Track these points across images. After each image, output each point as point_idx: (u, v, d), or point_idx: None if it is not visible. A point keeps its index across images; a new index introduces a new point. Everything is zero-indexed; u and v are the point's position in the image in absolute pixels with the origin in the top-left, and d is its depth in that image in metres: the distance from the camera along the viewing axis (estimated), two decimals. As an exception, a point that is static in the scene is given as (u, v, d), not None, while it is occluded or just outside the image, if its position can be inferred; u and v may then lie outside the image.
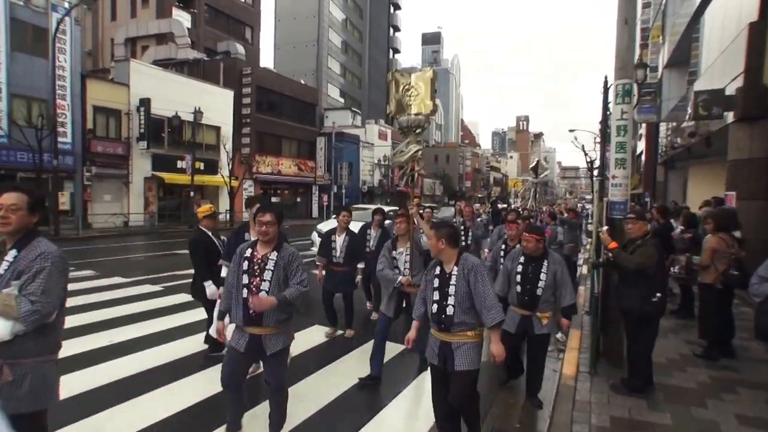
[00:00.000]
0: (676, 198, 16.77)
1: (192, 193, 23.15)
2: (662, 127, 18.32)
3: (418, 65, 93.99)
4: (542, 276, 3.96)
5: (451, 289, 2.99)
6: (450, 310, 2.98)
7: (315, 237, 11.28)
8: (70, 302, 4.80)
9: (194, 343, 5.31)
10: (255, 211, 3.86)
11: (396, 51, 69.77)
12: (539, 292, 3.97)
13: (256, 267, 3.10)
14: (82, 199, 19.98)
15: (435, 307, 3.05)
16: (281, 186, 33.81)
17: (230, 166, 24.69)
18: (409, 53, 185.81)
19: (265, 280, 3.08)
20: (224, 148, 25.28)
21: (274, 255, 3.12)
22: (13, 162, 17.27)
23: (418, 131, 4.71)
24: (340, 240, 5.90)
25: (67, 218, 18.13)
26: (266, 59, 59.42)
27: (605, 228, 4.32)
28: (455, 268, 3.03)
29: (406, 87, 4.63)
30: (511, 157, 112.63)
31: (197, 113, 22.68)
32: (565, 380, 4.59)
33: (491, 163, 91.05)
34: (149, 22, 30.61)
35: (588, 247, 14.36)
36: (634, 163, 26.86)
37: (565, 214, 11.61)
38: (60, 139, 18.68)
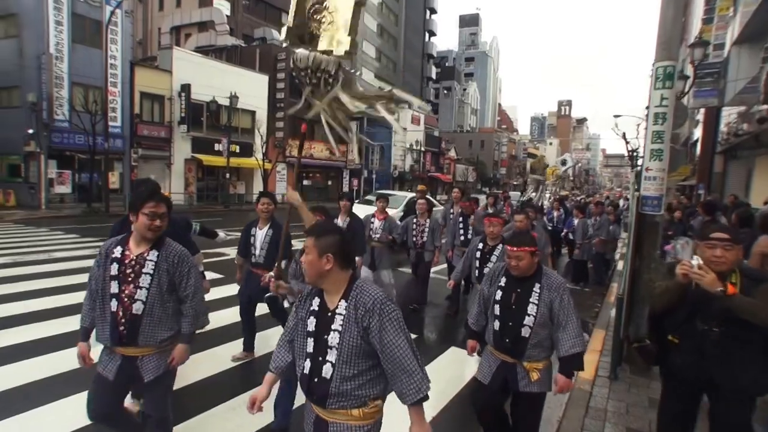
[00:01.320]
0: (737, 192, 14.25)
1: (228, 175, 24.70)
2: (724, 112, 16.53)
3: (455, 48, 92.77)
4: (531, 309, 2.70)
5: (332, 338, 1.85)
6: (328, 372, 1.84)
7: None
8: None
9: (232, 313, 5.27)
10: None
11: (432, 34, 69.12)
12: (525, 332, 2.70)
13: (129, 271, 2.41)
14: (130, 179, 21.80)
15: (306, 364, 1.91)
16: (313, 170, 35.07)
17: (263, 150, 26.05)
18: (445, 36, 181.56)
19: (141, 288, 2.41)
20: (258, 131, 26.64)
21: (153, 255, 2.45)
22: (72, 144, 19.20)
23: (323, 79, 2.76)
24: (260, 234, 4.50)
25: (118, 196, 19.92)
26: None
27: (696, 260, 2.37)
28: (342, 304, 1.87)
29: (316, 6, 2.81)
30: (550, 143, 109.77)
31: (233, 98, 24.07)
32: (581, 384, 4.20)
33: (529, 150, 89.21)
34: (192, 10, 32.22)
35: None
36: (689, 152, 25.25)
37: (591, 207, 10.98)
38: (111, 123, 20.45)
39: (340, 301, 1.88)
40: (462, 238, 6.79)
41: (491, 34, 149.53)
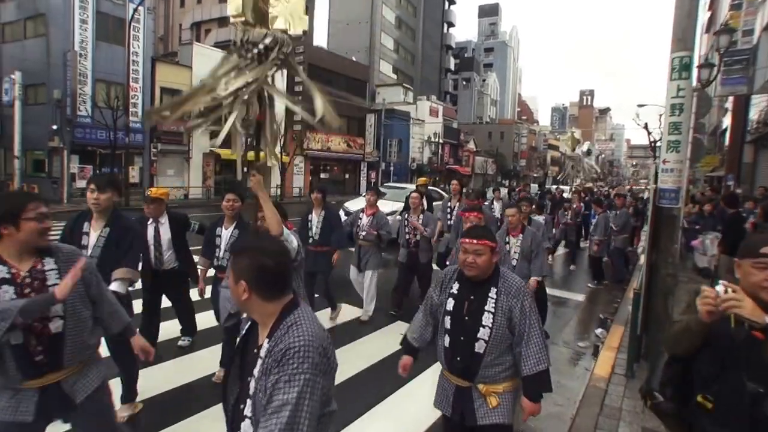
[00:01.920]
0: (768, 183, 13.81)
1: (246, 169, 24.88)
2: (755, 99, 16.19)
3: (474, 38, 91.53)
4: (486, 319, 2.23)
5: (251, 386, 1.48)
6: (246, 426, 1.49)
7: (342, 215, 9.85)
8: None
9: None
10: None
11: (450, 25, 68.25)
12: (480, 347, 2.24)
13: (27, 291, 1.94)
14: (149, 173, 22.23)
15: (230, 410, 1.60)
16: (330, 162, 35.16)
17: (281, 142, 26.19)
18: (465, 26, 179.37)
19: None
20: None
21: (49, 263, 2.02)
22: (94, 140, 19.70)
23: (273, 56, 2.54)
24: (225, 234, 4.20)
25: (137, 190, 20.31)
26: (321, 38, 60.43)
27: (721, 286, 1.64)
28: (265, 344, 1.47)
29: None
30: (572, 133, 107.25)
31: (251, 93, 24.22)
32: (596, 381, 4.20)
33: (549, 141, 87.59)
34: (212, 6, 32.50)
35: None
36: (718, 142, 24.83)
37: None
38: (132, 119, 20.85)
39: (264, 340, 1.48)
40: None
41: (511, 24, 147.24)
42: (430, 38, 62.95)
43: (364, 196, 5.74)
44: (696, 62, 5.48)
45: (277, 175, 27.28)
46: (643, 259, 9.81)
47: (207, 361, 4.33)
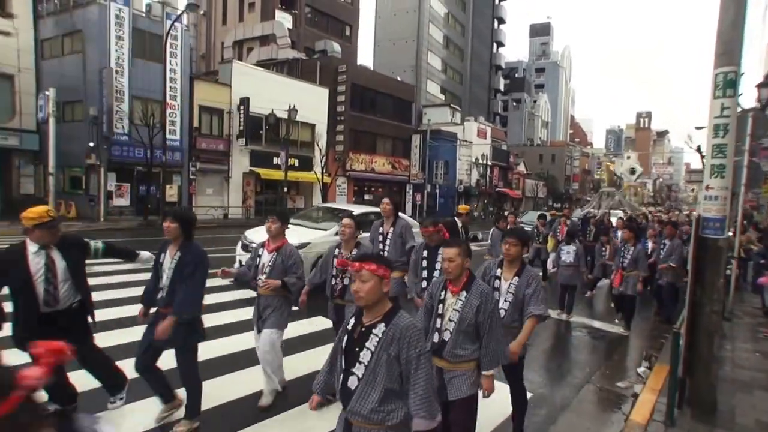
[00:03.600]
0: None
1: (286, 189, 23.94)
2: None
3: (524, 59, 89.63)
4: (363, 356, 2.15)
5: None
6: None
7: (239, 251, 8.38)
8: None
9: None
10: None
11: (500, 44, 66.86)
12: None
13: None
14: (188, 192, 21.58)
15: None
16: (374, 184, 33.94)
17: (322, 163, 25.12)
18: (515, 46, 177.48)
19: None
20: (317, 145, 25.83)
21: None
22: (131, 157, 19.18)
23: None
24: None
25: (172, 209, 19.62)
26: (366, 57, 60.48)
27: None
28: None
29: None
30: (628, 157, 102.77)
31: (291, 111, 23.38)
32: (631, 428, 3.89)
33: (604, 164, 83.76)
34: (254, 24, 32.45)
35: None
36: None
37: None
38: (170, 137, 20.35)
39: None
40: (425, 281, 4.30)
41: (563, 44, 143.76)
42: (479, 58, 61.74)
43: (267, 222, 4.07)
44: (749, 78, 4.94)
45: (319, 196, 26.20)
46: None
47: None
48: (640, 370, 5.20)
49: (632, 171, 21.61)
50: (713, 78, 4.02)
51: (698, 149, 26.80)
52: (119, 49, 18.47)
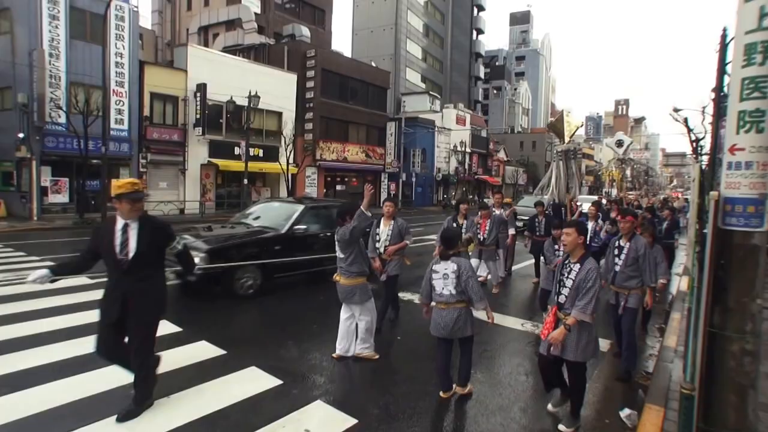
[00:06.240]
0: None
1: (246, 181, 22.50)
2: None
3: (505, 47, 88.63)
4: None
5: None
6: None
7: None
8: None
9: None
10: None
11: (480, 32, 65.70)
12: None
13: None
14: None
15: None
16: (347, 173, 32.63)
17: (288, 153, 23.72)
18: (496, 34, 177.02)
19: None
20: (282, 133, 24.42)
21: None
22: (69, 149, 17.47)
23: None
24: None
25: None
26: (345, 45, 58.86)
27: None
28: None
29: None
30: (606, 144, 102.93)
31: (253, 97, 21.91)
32: None
33: (584, 150, 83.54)
34: (219, 9, 30.74)
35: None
36: None
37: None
38: (117, 126, 18.80)
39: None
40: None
41: (543, 32, 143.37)
42: (459, 46, 60.57)
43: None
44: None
45: (283, 187, 24.84)
46: (680, 285, 8.35)
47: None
48: (624, 413, 3.88)
49: (619, 143, 19.55)
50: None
51: (685, 121, 25.56)
52: (53, 29, 16.73)
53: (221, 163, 22.74)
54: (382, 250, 5.82)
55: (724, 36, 17.01)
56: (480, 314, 4.01)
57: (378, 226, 5.94)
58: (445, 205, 39.03)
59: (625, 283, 4.84)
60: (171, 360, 4.22)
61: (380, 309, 5.52)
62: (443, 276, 3.85)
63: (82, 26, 17.86)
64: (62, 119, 16.74)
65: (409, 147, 35.82)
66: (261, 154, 24.71)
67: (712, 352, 2.75)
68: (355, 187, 33.73)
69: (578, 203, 11.41)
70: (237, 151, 23.14)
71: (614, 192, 54.11)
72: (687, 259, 11.38)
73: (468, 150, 43.68)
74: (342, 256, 4.68)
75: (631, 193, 38.56)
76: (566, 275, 3.60)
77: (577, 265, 3.54)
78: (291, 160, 24.15)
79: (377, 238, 5.90)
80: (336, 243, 4.75)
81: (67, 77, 17.20)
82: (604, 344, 5.23)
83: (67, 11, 17.15)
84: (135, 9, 19.17)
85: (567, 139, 8.07)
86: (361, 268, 4.70)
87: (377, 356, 4.86)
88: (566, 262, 3.67)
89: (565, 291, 3.59)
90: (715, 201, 2.68)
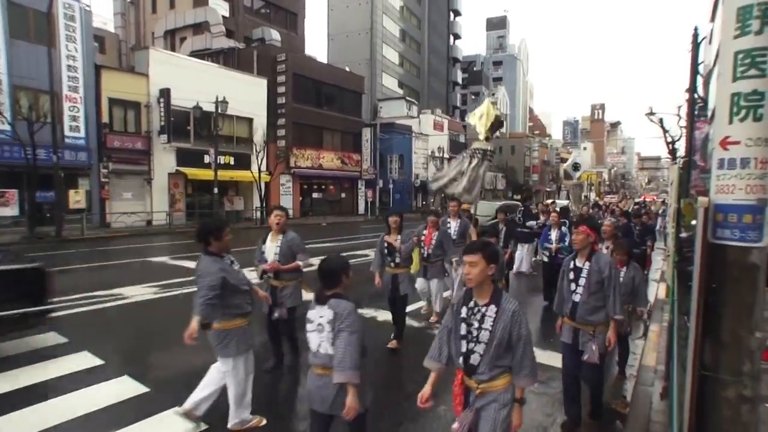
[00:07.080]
0: None
1: (216, 190, 21.59)
2: None
3: (482, 53, 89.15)
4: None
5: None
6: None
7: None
8: None
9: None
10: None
11: (456, 37, 65.96)
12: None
13: None
14: (99, 197, 18.97)
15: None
16: (323, 181, 31.86)
17: (260, 161, 22.90)
18: (472, 39, 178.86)
19: None
20: (253, 140, 23.61)
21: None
22: (16, 159, 15.93)
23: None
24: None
25: (76, 218, 16.89)
26: (320, 50, 58.24)
27: None
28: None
29: None
30: (584, 148, 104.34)
31: (221, 103, 21.05)
32: None
33: (561, 155, 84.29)
34: (186, 12, 29.77)
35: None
36: None
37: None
38: (72, 134, 17.75)
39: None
40: None
41: (520, 37, 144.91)
42: (436, 51, 60.56)
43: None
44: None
45: (257, 196, 23.98)
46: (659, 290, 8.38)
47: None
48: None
49: (575, 167, 18.63)
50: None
51: (660, 122, 25.60)
52: (-10, 28, 15.60)
53: (190, 171, 21.75)
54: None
55: (695, 35, 16.68)
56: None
57: (264, 242, 4.86)
58: (424, 211, 38.55)
59: (590, 317, 3.63)
60: None
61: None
62: (317, 327, 2.67)
63: (23, 25, 16.60)
64: (5, 126, 15.45)
65: (386, 153, 35.26)
66: (232, 162, 23.82)
67: (703, 397, 2.22)
68: (334, 194, 33.04)
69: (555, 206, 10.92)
70: (207, 159, 22.20)
71: (593, 196, 54.61)
72: (664, 264, 10.97)
73: (446, 156, 43.35)
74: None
75: (609, 196, 38.77)
76: (476, 324, 2.44)
77: (492, 308, 2.42)
78: (264, 168, 23.35)
79: (262, 257, 4.83)
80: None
81: (9, 80, 15.99)
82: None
83: (4, 6, 15.92)
84: (87, 8, 18.06)
85: (484, 134, 7.05)
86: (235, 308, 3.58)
87: (264, 421, 3.70)
88: (470, 305, 2.49)
89: (479, 348, 2.42)
90: (705, 209, 2.12)
